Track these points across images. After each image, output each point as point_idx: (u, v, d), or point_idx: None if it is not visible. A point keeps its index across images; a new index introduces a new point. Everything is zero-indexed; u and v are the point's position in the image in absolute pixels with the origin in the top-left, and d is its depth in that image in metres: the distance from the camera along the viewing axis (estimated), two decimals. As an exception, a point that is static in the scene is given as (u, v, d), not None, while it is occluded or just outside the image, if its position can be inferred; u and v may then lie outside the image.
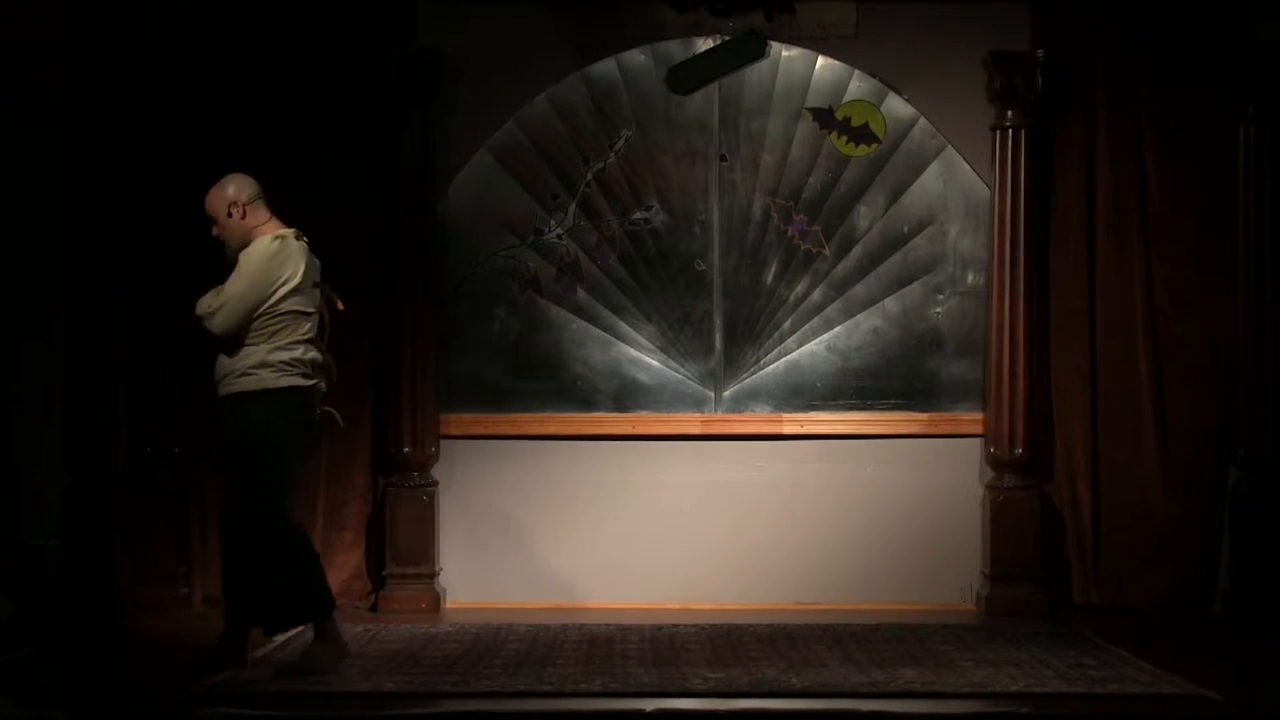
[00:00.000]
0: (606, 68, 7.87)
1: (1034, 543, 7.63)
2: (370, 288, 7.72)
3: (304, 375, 6.21)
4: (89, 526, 7.25)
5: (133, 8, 7.54)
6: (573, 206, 7.87)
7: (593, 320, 7.89)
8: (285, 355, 6.16)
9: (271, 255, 6.17)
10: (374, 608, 7.68)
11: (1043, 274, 7.73)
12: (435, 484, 7.76)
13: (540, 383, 7.89)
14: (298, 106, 7.65)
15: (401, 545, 7.68)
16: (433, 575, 7.72)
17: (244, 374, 6.13)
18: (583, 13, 7.85)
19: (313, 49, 7.66)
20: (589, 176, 7.87)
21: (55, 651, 6.65)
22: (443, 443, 7.79)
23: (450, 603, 7.76)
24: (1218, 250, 7.68)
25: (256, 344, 6.13)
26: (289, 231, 6.29)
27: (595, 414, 7.88)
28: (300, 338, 6.22)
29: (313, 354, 6.26)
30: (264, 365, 6.13)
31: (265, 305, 6.12)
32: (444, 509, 7.78)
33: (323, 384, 6.34)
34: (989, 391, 7.73)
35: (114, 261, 7.49)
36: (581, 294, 7.88)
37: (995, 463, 7.72)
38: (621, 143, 7.88)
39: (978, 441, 7.81)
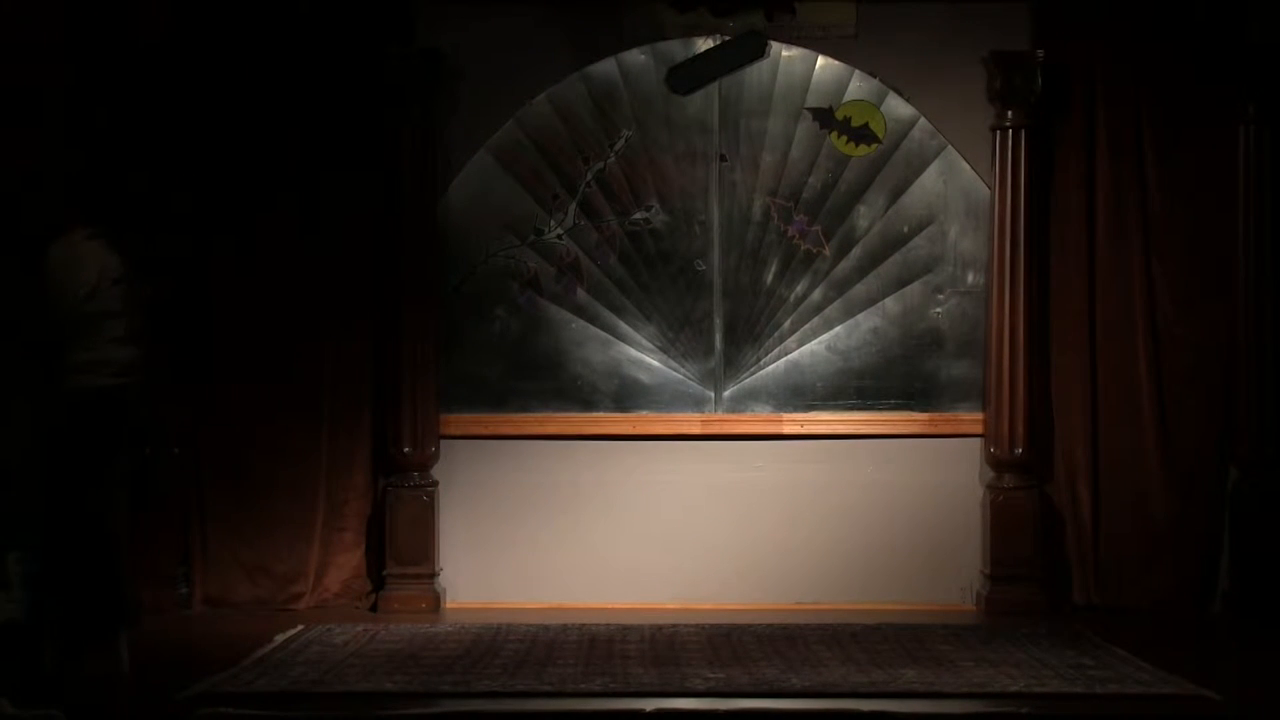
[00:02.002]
0: (606, 68, 7.87)
1: (1034, 543, 7.64)
2: (370, 288, 7.73)
3: (114, 375, 6.19)
4: (89, 526, 7.23)
5: (132, 7, 7.53)
6: (573, 206, 7.87)
7: (593, 320, 7.89)
8: (91, 356, 6.15)
9: (60, 264, 6.14)
10: (374, 608, 7.68)
11: (1043, 274, 7.73)
12: (435, 484, 7.76)
13: (540, 383, 7.89)
14: (297, 106, 7.66)
15: (401, 545, 7.68)
16: (433, 575, 7.72)
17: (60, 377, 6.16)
18: (583, 13, 7.85)
19: (312, 49, 7.66)
20: (589, 176, 7.87)
21: (56, 651, 6.64)
22: (443, 443, 7.79)
23: (450, 603, 7.76)
24: (1218, 250, 7.68)
25: (69, 348, 6.13)
26: (80, 232, 6.23)
27: (595, 414, 7.88)
28: (111, 337, 6.19)
29: (122, 353, 6.23)
30: (75, 369, 6.13)
31: (67, 311, 6.11)
32: (444, 509, 7.78)
33: (138, 380, 6.30)
34: (989, 391, 7.73)
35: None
36: (581, 294, 7.89)
37: (995, 463, 7.72)
38: (621, 143, 7.88)
39: (978, 441, 7.81)
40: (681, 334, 7.91)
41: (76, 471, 6.10)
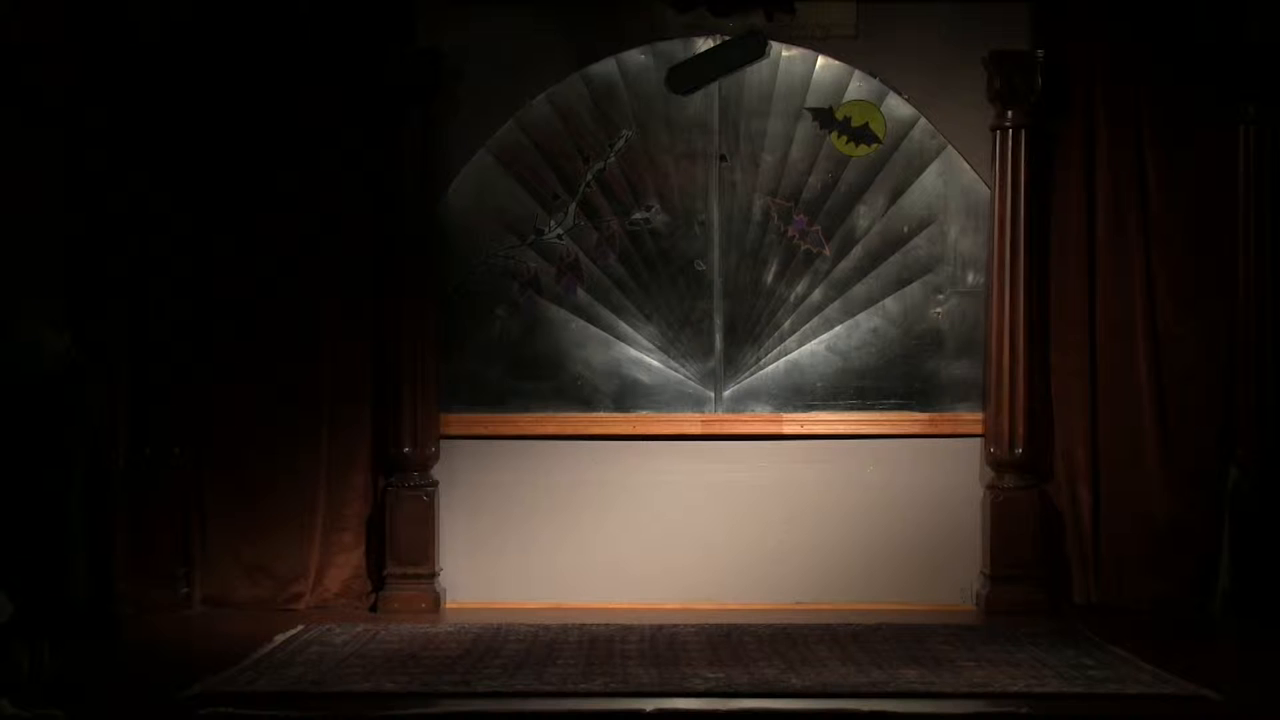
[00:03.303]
0: (606, 68, 7.87)
1: (1034, 543, 7.63)
2: (370, 288, 7.73)
3: (54, 362, 6.14)
4: (89, 526, 7.23)
5: (132, 7, 7.53)
6: (573, 206, 7.87)
7: (593, 320, 7.89)
8: (29, 335, 6.11)
9: None
10: (374, 608, 7.68)
11: (1043, 274, 7.73)
12: (435, 484, 7.76)
13: (540, 383, 7.89)
14: (298, 106, 7.65)
15: (401, 545, 7.68)
16: (433, 575, 7.72)
17: None
18: (583, 13, 7.85)
19: (313, 49, 7.66)
20: (589, 176, 7.87)
21: (55, 651, 6.64)
22: (443, 443, 7.79)
23: (450, 603, 7.76)
24: (1218, 250, 7.68)
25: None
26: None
27: (595, 414, 7.88)
28: (49, 318, 6.17)
29: (60, 339, 6.19)
30: (14, 349, 6.10)
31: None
32: (444, 509, 7.78)
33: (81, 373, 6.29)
34: (989, 391, 7.73)
35: (113, 262, 7.49)
36: (581, 294, 7.89)
37: (995, 463, 7.72)
38: (621, 143, 7.88)
39: (978, 441, 7.81)
40: (681, 334, 7.91)
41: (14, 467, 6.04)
